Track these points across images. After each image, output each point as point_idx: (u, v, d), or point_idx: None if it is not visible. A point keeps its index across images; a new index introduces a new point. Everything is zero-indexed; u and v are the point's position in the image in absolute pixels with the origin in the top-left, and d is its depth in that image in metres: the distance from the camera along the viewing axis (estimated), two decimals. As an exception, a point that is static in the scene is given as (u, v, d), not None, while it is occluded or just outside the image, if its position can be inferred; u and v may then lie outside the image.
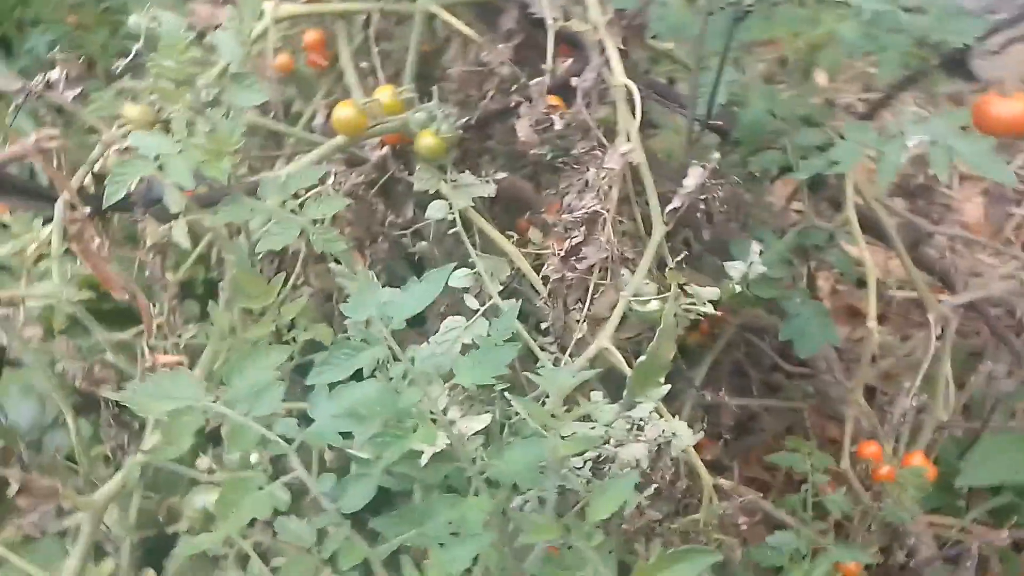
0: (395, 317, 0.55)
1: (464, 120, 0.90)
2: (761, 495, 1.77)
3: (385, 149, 0.94)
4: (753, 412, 1.84)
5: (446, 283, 0.59)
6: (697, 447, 1.76)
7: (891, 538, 1.34)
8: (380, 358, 0.55)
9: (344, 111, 0.79)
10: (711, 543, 0.90)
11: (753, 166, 1.12)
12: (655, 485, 0.75)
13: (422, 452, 0.66)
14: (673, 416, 1.41)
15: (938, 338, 1.29)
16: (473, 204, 0.92)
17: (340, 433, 0.55)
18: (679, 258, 0.88)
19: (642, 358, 0.59)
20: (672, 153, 1.52)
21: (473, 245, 0.96)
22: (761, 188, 1.44)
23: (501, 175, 0.96)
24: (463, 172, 0.91)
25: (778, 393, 1.75)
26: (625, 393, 0.61)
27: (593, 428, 0.61)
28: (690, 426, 1.32)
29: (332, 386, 0.56)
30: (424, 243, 0.93)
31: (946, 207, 1.85)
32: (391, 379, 0.55)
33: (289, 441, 0.55)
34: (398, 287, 0.61)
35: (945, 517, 1.48)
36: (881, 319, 2.08)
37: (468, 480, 0.55)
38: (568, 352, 0.88)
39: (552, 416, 0.54)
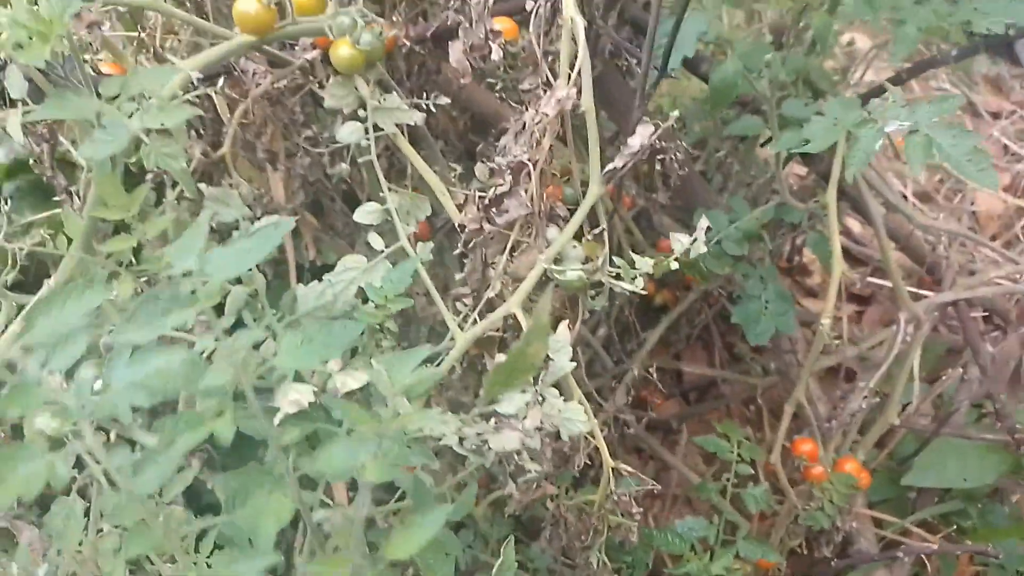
0: (213, 275, 0.46)
1: (394, 32, 0.79)
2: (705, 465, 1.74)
3: (315, 52, 0.84)
4: (714, 379, 1.78)
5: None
6: (653, 405, 1.71)
7: (818, 533, 1.30)
8: (189, 322, 0.46)
9: (245, 4, 0.68)
10: (604, 524, 0.85)
11: (730, 130, 1.01)
12: (535, 468, 0.69)
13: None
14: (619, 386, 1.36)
15: (906, 339, 1.21)
16: (414, 125, 0.82)
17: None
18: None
19: (503, 358, 0.51)
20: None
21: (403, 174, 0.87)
22: (751, 150, 1.33)
23: (444, 100, 0.86)
24: (391, 92, 0.80)
25: (740, 364, 1.68)
26: (482, 393, 0.53)
27: (444, 428, 0.53)
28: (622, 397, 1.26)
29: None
30: (343, 165, 0.84)
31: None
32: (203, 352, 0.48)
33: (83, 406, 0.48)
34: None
35: (890, 511, 1.44)
36: (869, 300, 1.99)
37: (280, 476, 0.48)
38: (477, 311, 0.80)
39: (378, 420, 0.46)
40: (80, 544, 0.56)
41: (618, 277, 0.78)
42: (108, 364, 0.47)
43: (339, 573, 0.40)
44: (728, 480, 1.06)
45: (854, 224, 1.99)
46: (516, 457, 0.66)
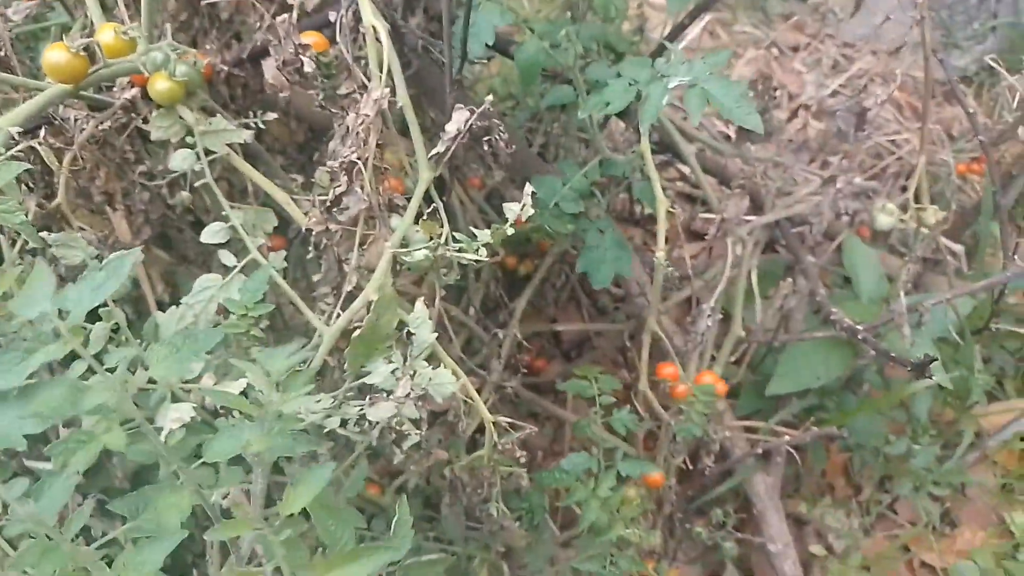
0: (73, 311, 0.50)
1: (209, 60, 0.83)
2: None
3: (133, 91, 0.86)
4: (589, 335, 1.90)
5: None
6: (537, 369, 1.80)
7: (698, 447, 1.43)
8: (58, 357, 0.50)
9: (54, 55, 0.70)
10: (496, 475, 0.92)
11: (546, 102, 1.10)
12: (416, 432, 0.75)
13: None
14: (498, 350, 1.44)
15: (735, 262, 1.36)
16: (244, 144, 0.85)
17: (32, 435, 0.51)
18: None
19: (358, 331, 0.57)
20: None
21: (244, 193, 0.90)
22: (571, 119, 1.44)
23: (271, 116, 0.90)
24: (216, 115, 0.84)
25: (606, 316, 1.81)
26: (345, 366, 0.59)
27: (317, 405, 0.59)
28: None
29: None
30: (183, 194, 0.87)
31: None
32: (82, 376, 0.51)
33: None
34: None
35: (760, 421, 1.60)
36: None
37: (174, 477, 0.52)
38: (339, 305, 0.86)
39: (258, 405, 0.51)
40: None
41: (462, 252, 0.85)
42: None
43: (243, 532, 0.45)
44: (596, 412, 1.14)
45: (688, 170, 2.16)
46: (396, 426, 0.72)
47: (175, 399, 0.69)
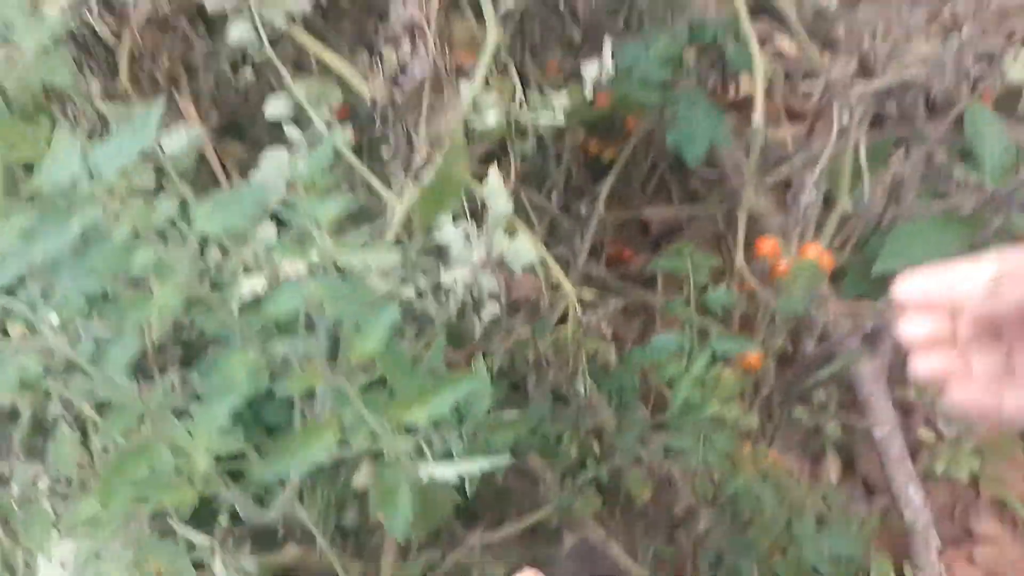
0: (104, 171, 0.48)
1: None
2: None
3: (189, -35, 0.83)
4: (679, 223, 1.82)
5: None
6: (625, 259, 1.75)
7: (797, 329, 1.36)
8: (97, 218, 0.48)
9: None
10: (582, 351, 0.89)
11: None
12: (495, 300, 0.71)
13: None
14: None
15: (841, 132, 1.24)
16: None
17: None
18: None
19: (427, 181, 0.53)
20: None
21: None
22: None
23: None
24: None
25: (699, 203, 1.72)
26: (414, 223, 0.55)
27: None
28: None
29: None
30: (247, 71, 0.84)
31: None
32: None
33: (33, 308, 0.50)
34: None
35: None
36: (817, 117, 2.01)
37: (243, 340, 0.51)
38: (415, 176, 0.82)
39: (316, 252, 0.49)
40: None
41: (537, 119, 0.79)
42: (53, 269, 0.49)
43: (314, 383, 0.43)
44: (688, 291, 1.08)
45: (784, 42, 1.99)
46: (474, 295, 0.69)
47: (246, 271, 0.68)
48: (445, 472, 0.41)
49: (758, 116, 1.01)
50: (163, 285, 0.48)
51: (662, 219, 1.84)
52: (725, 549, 1.12)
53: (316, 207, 0.51)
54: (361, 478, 1.12)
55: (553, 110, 0.80)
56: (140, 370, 0.72)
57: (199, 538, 0.57)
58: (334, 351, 0.50)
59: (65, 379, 0.56)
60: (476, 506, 1.40)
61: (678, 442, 0.95)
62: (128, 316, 0.48)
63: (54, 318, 0.51)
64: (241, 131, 1.04)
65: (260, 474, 0.40)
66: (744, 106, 2.02)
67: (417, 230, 0.61)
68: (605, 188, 1.37)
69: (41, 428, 0.62)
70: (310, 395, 0.50)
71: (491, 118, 0.77)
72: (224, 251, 0.64)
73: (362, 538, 1.29)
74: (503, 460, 0.47)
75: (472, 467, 0.43)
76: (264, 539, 0.82)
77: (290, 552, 1.19)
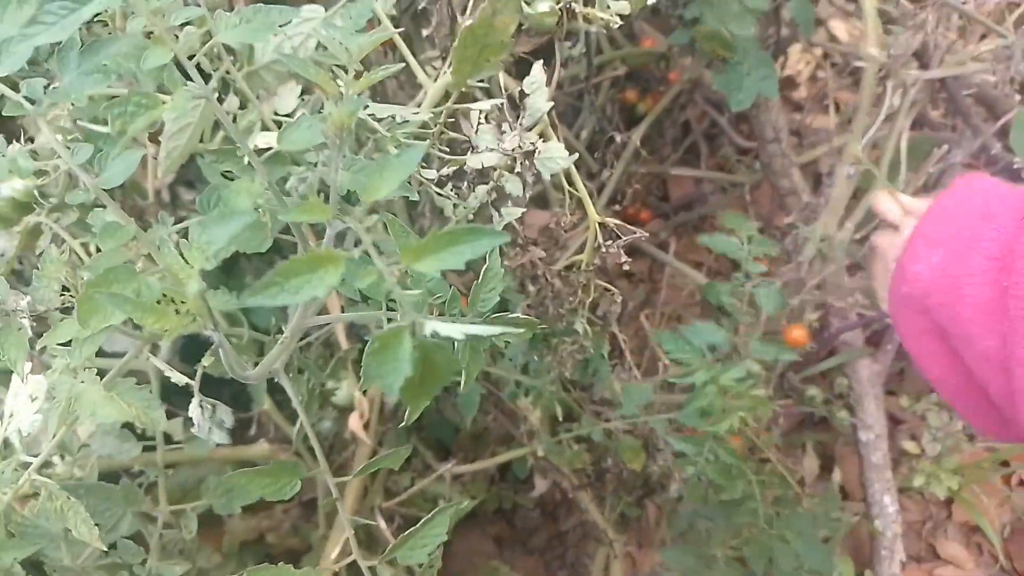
0: None
1: None
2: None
3: None
4: (701, 192, 1.78)
5: None
6: (640, 220, 1.71)
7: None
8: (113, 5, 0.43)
9: None
10: (591, 285, 0.85)
11: None
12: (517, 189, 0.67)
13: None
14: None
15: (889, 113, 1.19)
16: None
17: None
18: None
19: (468, 25, 0.48)
20: None
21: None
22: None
23: None
24: None
25: (725, 171, 1.68)
26: (450, 73, 0.51)
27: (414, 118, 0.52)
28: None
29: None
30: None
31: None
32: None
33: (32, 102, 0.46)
34: None
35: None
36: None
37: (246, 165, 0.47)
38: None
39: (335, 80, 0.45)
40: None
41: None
42: (60, 60, 0.45)
43: (320, 218, 0.39)
44: (738, 281, 1.00)
45: (839, 28, 1.93)
46: (496, 182, 0.65)
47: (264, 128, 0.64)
48: (451, 330, 0.38)
49: (873, 50, 0.96)
50: (177, 97, 0.44)
51: (683, 190, 1.80)
52: (696, 518, 1.09)
53: (349, 38, 0.47)
54: (344, 391, 1.09)
55: (608, 6, 0.75)
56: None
57: (176, 375, 0.54)
58: (348, 196, 0.47)
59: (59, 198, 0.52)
60: (453, 444, 1.38)
61: (681, 446, 0.90)
62: (135, 120, 0.44)
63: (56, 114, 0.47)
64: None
65: (254, 299, 0.36)
66: (786, 86, 1.97)
67: (453, 87, 0.56)
68: (638, 134, 1.33)
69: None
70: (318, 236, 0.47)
71: (543, 6, 0.73)
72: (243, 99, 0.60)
73: (336, 451, 1.27)
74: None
75: (480, 330, 0.39)
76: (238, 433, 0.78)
77: (261, 448, 1.16)
